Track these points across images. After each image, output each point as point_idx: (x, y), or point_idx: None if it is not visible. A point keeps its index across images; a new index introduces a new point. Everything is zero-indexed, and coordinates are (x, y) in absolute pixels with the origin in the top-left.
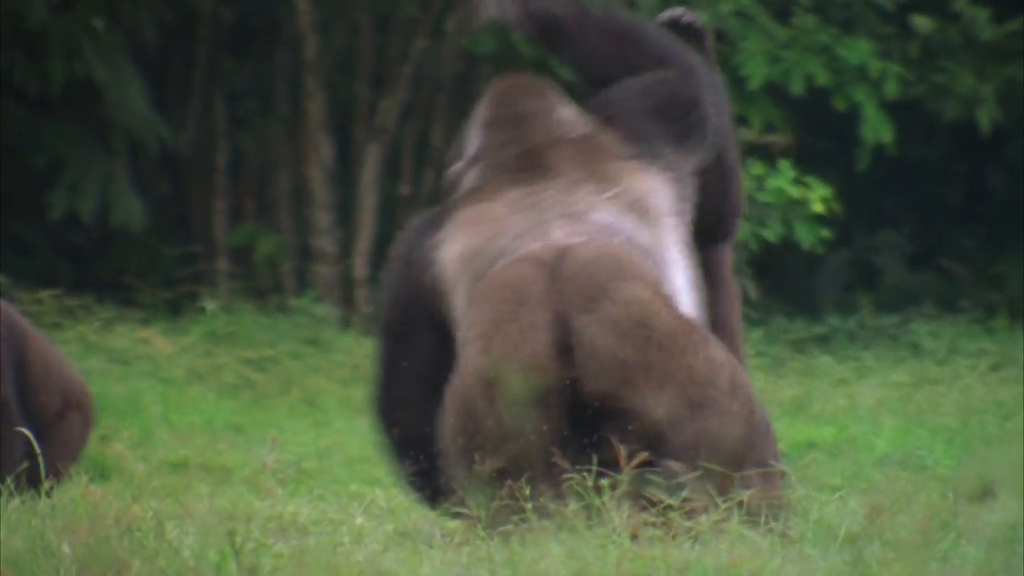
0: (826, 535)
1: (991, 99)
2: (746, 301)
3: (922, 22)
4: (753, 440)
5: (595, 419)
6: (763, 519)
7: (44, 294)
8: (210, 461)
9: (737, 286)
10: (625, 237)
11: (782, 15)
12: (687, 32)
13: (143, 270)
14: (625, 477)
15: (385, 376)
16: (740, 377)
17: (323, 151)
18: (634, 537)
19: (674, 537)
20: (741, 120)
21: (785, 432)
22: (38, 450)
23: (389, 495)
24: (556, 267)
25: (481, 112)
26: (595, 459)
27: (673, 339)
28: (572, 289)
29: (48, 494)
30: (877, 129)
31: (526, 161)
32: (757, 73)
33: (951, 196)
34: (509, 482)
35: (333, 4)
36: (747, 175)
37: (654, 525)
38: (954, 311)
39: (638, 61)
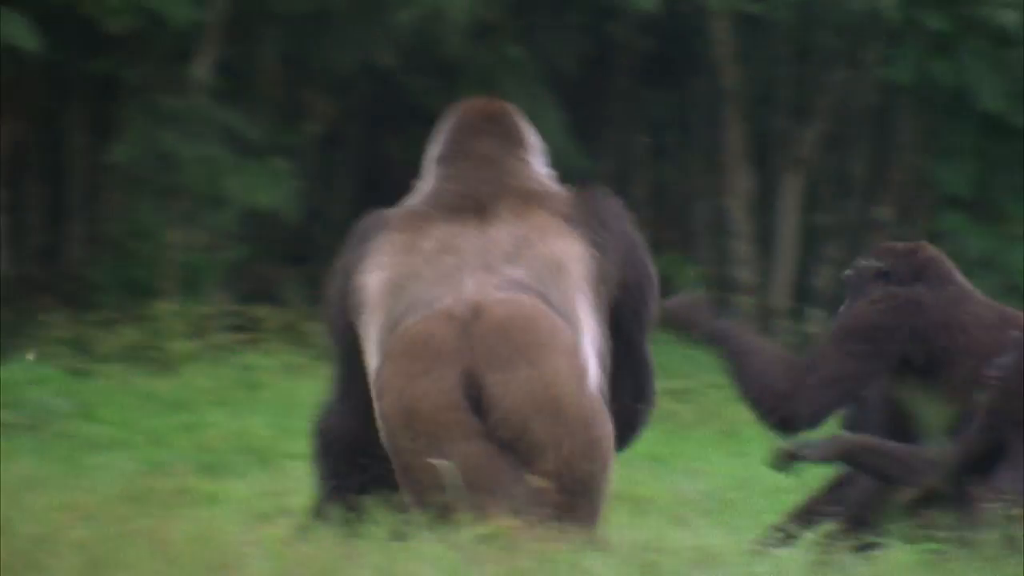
0: None
1: None
2: None
3: None
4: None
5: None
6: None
7: None
8: (628, 491)
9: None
10: (540, 295)
11: None
12: None
13: None
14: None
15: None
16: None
17: (742, 181)
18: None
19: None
20: None
21: None
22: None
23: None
24: (469, 323)
25: (440, 138)
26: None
27: (580, 416)
28: (484, 348)
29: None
30: None
31: (465, 201)
32: None
33: None
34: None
35: (752, 34)
36: None
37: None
38: None
39: None
